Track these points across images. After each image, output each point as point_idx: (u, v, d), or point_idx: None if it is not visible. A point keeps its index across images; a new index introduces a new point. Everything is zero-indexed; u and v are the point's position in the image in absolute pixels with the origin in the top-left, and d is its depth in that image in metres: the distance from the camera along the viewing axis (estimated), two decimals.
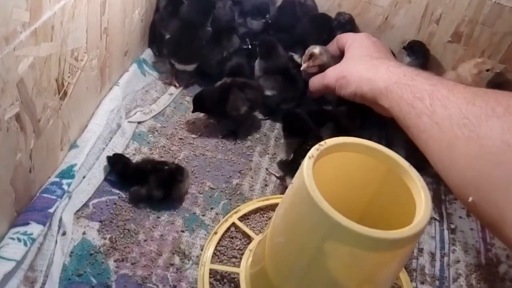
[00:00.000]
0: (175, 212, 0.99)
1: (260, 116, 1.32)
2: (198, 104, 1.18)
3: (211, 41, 1.29)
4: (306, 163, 0.68)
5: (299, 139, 1.06)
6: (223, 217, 0.98)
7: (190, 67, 1.31)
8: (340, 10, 1.47)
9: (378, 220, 0.70)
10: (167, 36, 1.27)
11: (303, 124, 1.09)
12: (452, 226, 1.16)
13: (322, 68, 1.22)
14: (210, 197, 1.04)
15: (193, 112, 1.19)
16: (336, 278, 0.68)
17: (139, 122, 1.16)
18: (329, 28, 1.44)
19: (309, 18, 1.45)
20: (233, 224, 0.96)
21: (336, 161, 0.77)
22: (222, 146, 1.19)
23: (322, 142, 0.73)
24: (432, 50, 1.45)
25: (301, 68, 1.23)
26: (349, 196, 0.83)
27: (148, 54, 1.37)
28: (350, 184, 0.82)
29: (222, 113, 1.19)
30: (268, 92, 1.27)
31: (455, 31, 1.40)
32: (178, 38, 1.26)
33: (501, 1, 1.30)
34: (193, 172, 1.09)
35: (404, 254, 0.67)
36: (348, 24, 1.44)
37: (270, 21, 1.42)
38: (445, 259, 1.08)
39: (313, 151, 0.71)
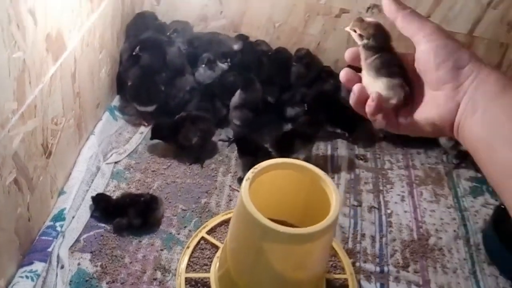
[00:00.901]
0: (154, 235, 1.09)
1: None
2: (155, 132, 1.29)
3: (168, 84, 1.39)
4: (243, 184, 0.80)
5: (251, 158, 1.18)
6: (194, 233, 1.09)
7: (150, 108, 1.39)
8: (278, 42, 1.59)
9: (314, 218, 0.80)
10: (129, 83, 1.37)
11: (252, 145, 1.23)
12: (389, 211, 1.27)
13: None
14: (183, 217, 1.14)
15: (151, 139, 1.30)
16: (276, 268, 0.80)
17: (115, 162, 1.25)
18: (290, 63, 1.53)
19: (271, 57, 1.53)
20: (202, 237, 1.06)
21: (275, 177, 0.90)
22: (190, 172, 1.28)
23: (256, 166, 0.85)
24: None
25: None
26: (289, 202, 0.96)
27: (117, 101, 1.46)
28: (288, 193, 0.95)
29: (176, 142, 1.29)
30: (236, 122, 1.38)
31: None
32: (138, 84, 1.36)
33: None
34: (167, 198, 1.19)
35: (323, 243, 0.79)
36: (306, 58, 1.54)
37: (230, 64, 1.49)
38: (383, 239, 1.19)
39: (249, 174, 0.83)
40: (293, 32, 1.57)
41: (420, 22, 0.56)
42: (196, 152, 1.31)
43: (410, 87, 0.58)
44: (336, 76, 1.55)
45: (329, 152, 1.46)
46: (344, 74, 0.62)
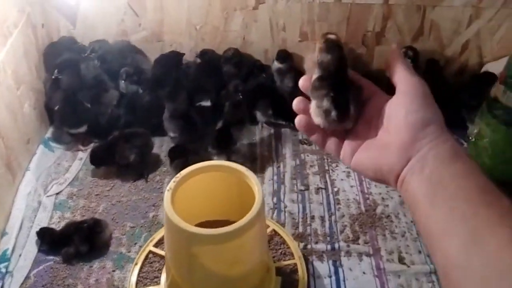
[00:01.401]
0: (104, 257, 1.11)
1: None
2: (93, 159, 1.32)
3: (94, 102, 1.41)
4: (165, 195, 0.84)
5: (181, 164, 1.22)
6: (142, 248, 1.11)
7: (82, 129, 1.41)
8: (204, 44, 1.62)
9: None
10: (55, 109, 1.39)
11: (181, 151, 1.30)
12: (336, 189, 1.32)
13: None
14: (132, 235, 1.16)
15: (92, 165, 1.33)
16: (212, 268, 0.84)
17: (57, 193, 1.26)
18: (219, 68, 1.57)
19: (199, 66, 1.57)
20: (150, 251, 1.09)
21: (204, 180, 0.94)
22: (134, 189, 1.30)
23: (177, 174, 0.89)
24: (290, 50, 1.63)
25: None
26: (224, 201, 1.00)
27: (51, 131, 1.47)
28: (221, 193, 0.99)
29: (115, 162, 1.31)
30: (170, 133, 1.41)
31: (301, 32, 1.59)
32: (64, 107, 1.38)
33: (324, 0, 1.50)
34: (114, 219, 1.21)
35: (253, 235, 0.82)
36: (234, 58, 1.59)
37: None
38: (333, 217, 1.23)
39: (171, 184, 0.87)
40: (216, 31, 1.60)
41: (409, 71, 0.61)
42: (138, 168, 1.33)
43: (353, 118, 0.65)
44: (267, 68, 1.59)
45: (273, 142, 1.50)
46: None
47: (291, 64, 1.58)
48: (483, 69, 1.65)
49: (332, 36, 0.68)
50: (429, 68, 1.59)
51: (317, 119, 0.66)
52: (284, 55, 1.57)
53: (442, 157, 0.56)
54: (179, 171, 0.93)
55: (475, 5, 1.51)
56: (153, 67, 1.53)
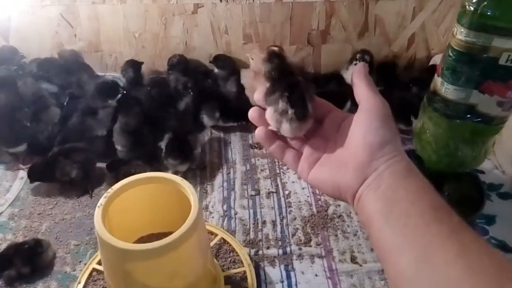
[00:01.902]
0: (48, 278, 1.09)
1: None
2: (31, 175, 1.29)
3: (34, 119, 1.39)
4: (96, 212, 0.83)
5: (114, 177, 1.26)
6: (85, 266, 1.09)
7: (22, 148, 1.39)
8: (144, 51, 1.62)
9: None
10: None
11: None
12: (287, 192, 1.32)
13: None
14: (77, 253, 1.14)
15: (31, 183, 1.30)
16: (150, 283, 0.83)
17: None
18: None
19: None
20: (94, 269, 1.08)
21: (141, 192, 0.93)
22: (79, 205, 1.28)
23: (109, 189, 0.88)
24: (233, 54, 1.63)
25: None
26: (167, 213, 0.99)
27: None
28: (163, 205, 0.98)
29: (56, 180, 1.29)
30: (118, 147, 1.38)
31: (244, 34, 1.60)
32: (0, 126, 1.36)
33: (265, 1, 1.50)
34: (57, 237, 1.19)
35: (190, 247, 0.82)
36: (181, 63, 1.59)
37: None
38: (284, 221, 1.23)
39: (102, 199, 0.86)
40: (156, 38, 1.60)
41: (372, 90, 0.64)
42: (81, 183, 1.31)
43: (312, 117, 0.68)
44: (209, 72, 1.59)
45: (222, 148, 1.50)
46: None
47: (232, 68, 1.59)
48: (431, 62, 1.69)
49: (273, 48, 0.72)
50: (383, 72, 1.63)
51: (276, 124, 0.69)
52: (221, 61, 1.60)
53: (397, 174, 0.59)
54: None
55: None
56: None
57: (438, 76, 1.04)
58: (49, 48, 1.60)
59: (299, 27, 1.60)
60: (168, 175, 0.91)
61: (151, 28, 1.59)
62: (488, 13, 0.89)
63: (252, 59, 1.46)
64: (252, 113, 0.72)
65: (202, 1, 1.53)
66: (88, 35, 1.60)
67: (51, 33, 1.59)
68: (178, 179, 0.89)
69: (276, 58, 0.70)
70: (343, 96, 1.45)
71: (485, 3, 0.89)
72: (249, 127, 1.56)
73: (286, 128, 0.69)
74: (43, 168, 1.30)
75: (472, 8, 0.91)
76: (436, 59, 1.68)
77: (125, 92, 1.43)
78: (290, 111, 0.66)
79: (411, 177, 0.59)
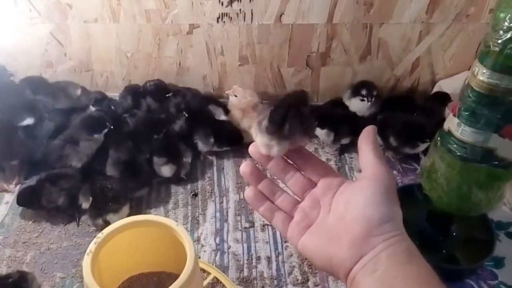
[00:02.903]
0: None
1: None
2: (20, 201, 1.32)
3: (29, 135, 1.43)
4: (85, 260, 0.85)
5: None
6: None
7: (15, 162, 1.41)
8: (137, 71, 1.65)
9: None
10: None
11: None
12: None
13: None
14: (62, 286, 1.16)
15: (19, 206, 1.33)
16: None
17: None
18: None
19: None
20: None
21: (137, 234, 0.95)
22: (65, 234, 1.30)
23: (99, 234, 0.90)
24: (229, 76, 1.66)
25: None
26: (164, 254, 1.01)
27: None
28: (159, 246, 1.00)
29: (43, 207, 1.32)
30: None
31: (240, 56, 1.62)
32: None
33: (263, 22, 1.53)
34: (42, 269, 1.20)
35: None
36: (158, 87, 1.63)
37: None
38: (280, 257, 1.25)
39: (92, 245, 0.88)
40: (149, 58, 1.62)
41: (378, 158, 0.62)
42: (68, 211, 1.33)
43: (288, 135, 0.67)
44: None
45: (215, 174, 1.52)
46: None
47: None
48: (436, 87, 1.72)
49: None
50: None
51: (254, 138, 0.70)
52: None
53: (397, 258, 0.56)
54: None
55: (425, 20, 1.57)
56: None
57: (454, 116, 1.02)
58: (38, 66, 1.63)
59: (298, 49, 1.62)
60: (163, 218, 0.93)
61: (144, 48, 1.61)
62: None
63: (236, 96, 1.50)
64: (244, 168, 0.72)
65: (198, 22, 1.55)
66: (79, 54, 1.62)
67: (41, 51, 1.61)
68: (173, 223, 0.91)
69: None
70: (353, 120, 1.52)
71: None
72: (243, 152, 1.58)
73: (258, 141, 0.70)
74: (30, 193, 1.32)
75: (497, 49, 0.89)
76: (441, 84, 1.70)
77: (112, 127, 1.45)
78: (264, 123, 0.67)
79: (411, 263, 0.57)
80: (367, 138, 0.65)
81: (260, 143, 0.70)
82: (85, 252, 1.16)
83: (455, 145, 1.02)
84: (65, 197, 1.32)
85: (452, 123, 1.03)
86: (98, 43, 1.59)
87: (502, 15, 0.89)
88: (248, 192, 0.71)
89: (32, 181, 1.38)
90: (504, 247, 1.27)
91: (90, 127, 1.44)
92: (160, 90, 1.63)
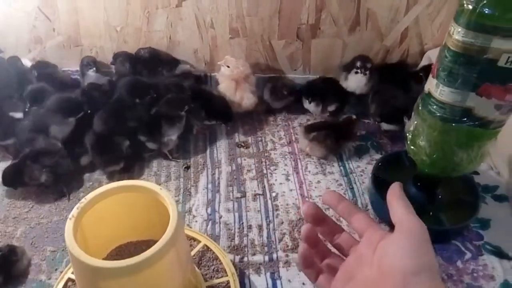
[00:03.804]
0: (22, 287, 1.04)
1: None
2: (5, 181, 1.25)
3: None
4: (67, 225, 0.78)
5: None
6: (60, 276, 1.04)
7: (9, 142, 1.35)
8: (126, 45, 1.57)
9: None
10: None
11: None
12: (274, 194, 1.28)
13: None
14: (52, 260, 1.10)
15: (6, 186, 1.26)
16: None
17: None
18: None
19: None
20: (69, 278, 1.03)
21: (120, 200, 0.88)
22: (55, 209, 1.24)
23: (82, 199, 0.83)
24: (220, 49, 1.58)
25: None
26: (144, 222, 0.94)
27: None
28: (142, 212, 0.93)
29: (27, 185, 1.25)
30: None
31: (231, 28, 1.55)
32: None
33: None
34: (33, 243, 1.14)
35: (167, 263, 0.77)
36: (154, 57, 1.55)
37: None
38: (271, 225, 1.19)
39: (74, 210, 0.81)
40: (139, 32, 1.55)
41: (409, 211, 0.61)
42: (55, 187, 1.27)
43: None
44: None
45: (207, 148, 1.46)
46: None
47: None
48: (425, 57, 1.65)
49: None
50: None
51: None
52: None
53: None
54: None
55: None
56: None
57: (433, 77, 1.00)
58: (26, 42, 1.56)
59: (288, 21, 1.55)
60: (146, 183, 0.86)
61: (133, 22, 1.54)
62: (488, 12, 0.85)
63: (228, 66, 1.42)
64: (306, 209, 0.69)
65: None
66: (67, 29, 1.55)
67: (29, 27, 1.53)
68: (156, 187, 0.84)
69: None
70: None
71: (485, 1, 0.84)
72: (236, 126, 1.53)
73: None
74: (13, 172, 1.25)
75: (470, 7, 0.86)
76: (430, 54, 1.64)
77: (89, 111, 1.36)
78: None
79: None
80: (395, 194, 0.65)
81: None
82: None
83: (434, 106, 1.00)
84: (47, 174, 1.24)
85: (431, 84, 1.01)
86: (86, 17, 1.51)
87: None
88: (301, 249, 0.68)
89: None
90: (490, 210, 1.24)
91: (65, 110, 1.35)
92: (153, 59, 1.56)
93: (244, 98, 1.50)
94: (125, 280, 0.74)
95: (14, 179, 1.25)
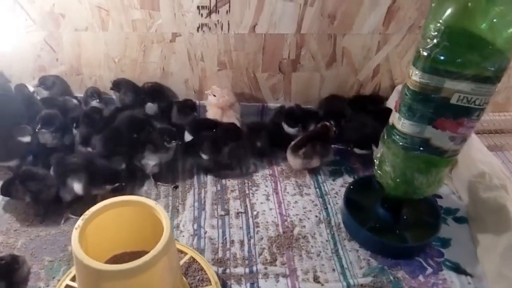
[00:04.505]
0: None
1: None
2: (2, 191, 1.30)
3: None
4: (73, 234, 0.85)
5: None
6: (58, 283, 1.10)
7: (12, 163, 1.40)
8: (124, 74, 1.65)
9: None
10: None
11: None
12: (255, 213, 1.35)
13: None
14: (51, 269, 1.15)
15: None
16: None
17: None
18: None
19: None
20: (67, 285, 1.08)
21: (117, 215, 0.95)
22: (53, 223, 1.29)
23: (86, 212, 0.90)
24: (208, 79, 1.67)
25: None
26: (140, 233, 1.01)
27: None
28: (136, 225, 1.00)
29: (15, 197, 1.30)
30: None
31: (219, 61, 1.63)
32: None
33: (239, 32, 1.54)
34: (32, 253, 1.19)
35: (160, 269, 0.84)
36: (157, 91, 1.63)
37: None
38: (252, 241, 1.26)
39: (79, 221, 0.88)
40: (135, 63, 1.62)
41: None
42: (40, 207, 1.31)
43: None
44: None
45: (194, 169, 1.52)
46: None
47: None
48: (395, 90, 1.74)
49: None
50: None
51: None
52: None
53: None
54: None
55: (382, 32, 1.60)
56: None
57: (396, 111, 1.09)
58: (31, 70, 1.62)
59: (271, 56, 1.64)
60: (143, 199, 0.93)
61: (130, 54, 1.61)
62: (441, 58, 0.94)
63: (214, 95, 1.51)
64: None
65: (180, 31, 1.56)
66: (69, 60, 1.62)
67: (33, 57, 1.60)
68: (152, 203, 0.91)
69: None
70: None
71: (438, 49, 0.94)
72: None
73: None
74: (7, 185, 1.30)
75: (425, 54, 0.96)
76: (400, 88, 1.72)
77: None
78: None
79: None
80: None
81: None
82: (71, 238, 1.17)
83: (397, 136, 1.09)
84: (31, 197, 1.29)
85: (394, 117, 1.10)
86: (87, 49, 1.59)
87: (429, 25, 0.95)
88: None
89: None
90: (451, 230, 1.32)
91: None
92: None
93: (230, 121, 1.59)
94: (125, 283, 0.81)
95: (7, 190, 1.29)
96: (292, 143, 1.50)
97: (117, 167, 1.35)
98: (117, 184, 1.31)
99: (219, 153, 1.47)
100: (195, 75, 1.66)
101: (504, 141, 1.70)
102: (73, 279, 1.10)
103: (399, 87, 1.73)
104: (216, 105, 1.58)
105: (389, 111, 1.48)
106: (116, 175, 1.33)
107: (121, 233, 1.00)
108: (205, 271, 1.13)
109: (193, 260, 1.15)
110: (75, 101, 1.59)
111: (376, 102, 1.73)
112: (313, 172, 1.52)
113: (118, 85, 1.61)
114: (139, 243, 1.03)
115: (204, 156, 1.46)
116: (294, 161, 1.49)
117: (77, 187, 1.27)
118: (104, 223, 0.93)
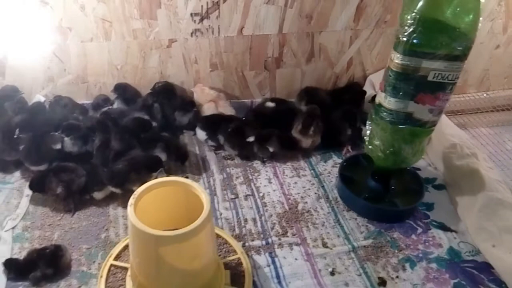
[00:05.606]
0: (68, 277, 1.20)
1: None
2: (31, 185, 1.41)
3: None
4: (129, 209, 0.97)
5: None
6: (103, 263, 1.21)
7: (43, 167, 1.49)
8: (125, 80, 1.75)
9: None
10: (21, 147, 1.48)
11: None
12: (261, 194, 1.49)
13: None
14: (89, 255, 1.26)
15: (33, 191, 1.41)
16: (176, 265, 0.99)
17: (13, 228, 1.33)
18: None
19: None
20: (112, 265, 1.20)
21: (159, 194, 1.08)
22: (83, 215, 1.39)
23: (135, 192, 1.03)
24: (202, 80, 1.80)
25: None
26: (175, 212, 1.14)
27: None
28: (173, 205, 1.13)
29: (44, 192, 1.41)
30: None
31: (211, 63, 1.76)
32: (30, 146, 1.48)
33: (228, 35, 1.68)
34: (70, 243, 1.29)
35: (206, 234, 0.98)
36: (169, 91, 1.74)
37: None
38: (263, 218, 1.40)
39: (131, 199, 1.00)
40: (135, 69, 1.73)
41: None
42: (70, 201, 1.41)
43: None
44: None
45: (200, 161, 1.65)
46: None
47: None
48: (367, 80, 1.91)
49: None
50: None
51: None
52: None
53: None
54: None
55: (353, 27, 1.77)
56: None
57: (381, 91, 1.25)
58: (41, 81, 1.71)
59: (257, 55, 1.78)
60: (181, 179, 1.08)
61: (132, 61, 1.72)
62: (417, 42, 1.11)
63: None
64: None
65: (176, 37, 1.68)
66: (76, 69, 1.70)
67: (43, 68, 1.68)
68: (189, 181, 1.05)
69: None
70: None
71: (414, 35, 1.10)
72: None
73: None
74: (39, 178, 1.41)
75: (404, 39, 1.13)
76: (372, 78, 1.90)
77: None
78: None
79: None
80: None
81: None
82: (103, 228, 1.31)
83: (384, 113, 1.25)
84: (63, 188, 1.39)
85: (380, 97, 1.26)
86: (93, 59, 1.68)
87: (405, 15, 1.13)
88: None
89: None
90: (432, 196, 1.51)
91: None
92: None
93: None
94: (179, 246, 0.94)
95: (38, 185, 1.40)
96: (298, 125, 1.63)
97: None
98: (160, 169, 1.45)
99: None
100: (190, 76, 1.78)
101: (466, 119, 1.89)
102: (116, 259, 1.22)
103: (370, 77, 1.90)
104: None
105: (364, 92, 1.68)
106: (158, 162, 1.47)
107: (163, 211, 1.12)
108: (229, 244, 1.26)
109: (217, 235, 1.28)
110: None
111: (352, 91, 1.89)
112: (306, 156, 1.66)
113: (118, 89, 1.72)
114: (171, 222, 1.14)
115: (271, 149, 1.62)
116: (306, 141, 1.63)
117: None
118: (150, 202, 1.05)
